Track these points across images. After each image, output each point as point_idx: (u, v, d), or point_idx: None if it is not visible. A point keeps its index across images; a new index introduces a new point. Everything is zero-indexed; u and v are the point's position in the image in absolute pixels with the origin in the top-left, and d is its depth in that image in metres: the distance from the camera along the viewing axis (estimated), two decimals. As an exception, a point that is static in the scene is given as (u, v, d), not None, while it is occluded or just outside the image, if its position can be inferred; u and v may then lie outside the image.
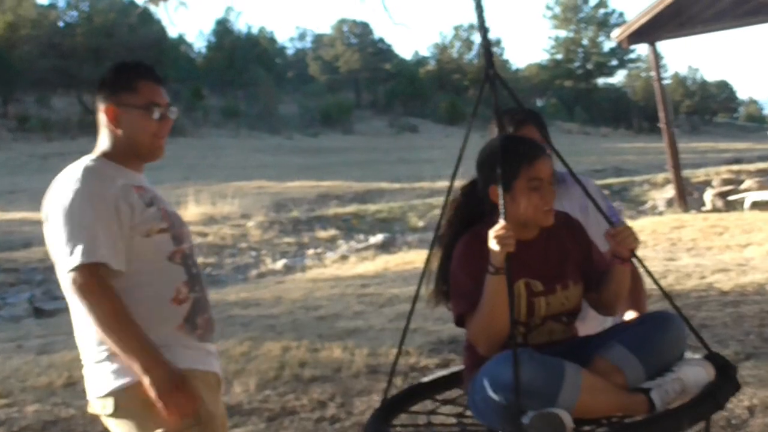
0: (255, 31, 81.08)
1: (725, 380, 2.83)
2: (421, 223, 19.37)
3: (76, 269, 2.77)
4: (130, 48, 54.04)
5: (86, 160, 3.00)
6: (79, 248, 2.78)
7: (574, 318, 3.09)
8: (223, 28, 73.44)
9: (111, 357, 2.88)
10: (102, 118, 3.05)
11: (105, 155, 3.04)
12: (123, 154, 3.04)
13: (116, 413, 2.89)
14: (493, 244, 2.77)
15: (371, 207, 20.39)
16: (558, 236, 3.08)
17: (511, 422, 2.67)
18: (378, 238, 16.96)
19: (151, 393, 2.76)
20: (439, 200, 22.36)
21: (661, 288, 3.01)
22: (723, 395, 2.79)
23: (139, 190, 3.00)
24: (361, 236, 17.52)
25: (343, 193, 25.06)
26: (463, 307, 2.96)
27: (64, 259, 2.81)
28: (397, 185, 26.22)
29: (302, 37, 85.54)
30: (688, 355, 2.96)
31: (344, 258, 14.98)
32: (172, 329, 2.93)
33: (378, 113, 70.05)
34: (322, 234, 17.55)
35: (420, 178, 27.27)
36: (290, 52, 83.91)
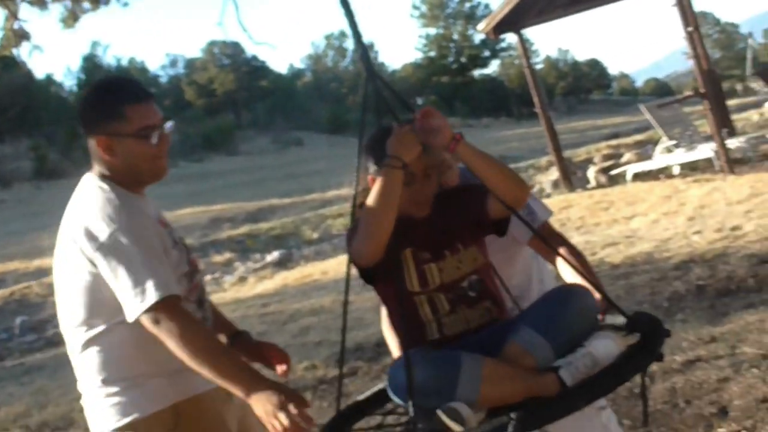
0: (125, 62, 79.88)
1: (654, 336, 2.81)
2: (315, 235, 19.33)
3: (152, 309, 2.63)
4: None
5: (97, 188, 2.85)
6: (150, 286, 2.64)
7: (490, 301, 3.01)
8: (91, 63, 72.10)
9: (121, 392, 2.79)
10: (93, 148, 2.89)
11: (110, 179, 2.88)
12: (125, 179, 2.89)
13: None
14: (398, 141, 2.76)
15: (264, 225, 20.29)
16: (448, 208, 3.04)
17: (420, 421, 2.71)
18: (274, 255, 16.87)
19: (261, 414, 2.61)
20: (332, 210, 22.48)
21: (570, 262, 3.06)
22: (654, 347, 2.76)
23: (163, 225, 2.91)
24: (257, 256, 17.40)
25: (235, 215, 24.86)
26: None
27: (132, 302, 2.65)
28: (287, 200, 26.15)
29: (174, 63, 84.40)
30: (612, 319, 2.97)
31: (242, 279, 14.88)
32: None
33: (260, 131, 69.63)
34: (218, 258, 17.38)
35: (310, 190, 27.23)
36: (163, 80, 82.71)
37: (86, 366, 2.86)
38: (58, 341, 12.33)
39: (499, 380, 2.70)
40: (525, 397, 2.69)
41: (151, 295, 2.63)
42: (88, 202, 2.84)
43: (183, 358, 2.66)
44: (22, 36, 15.10)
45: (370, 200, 2.79)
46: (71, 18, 15.73)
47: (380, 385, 3.29)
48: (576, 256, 3.36)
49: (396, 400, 2.80)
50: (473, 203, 3.04)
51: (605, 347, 2.76)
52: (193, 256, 3.05)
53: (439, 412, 2.61)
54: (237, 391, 2.66)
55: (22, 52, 15.92)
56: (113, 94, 2.91)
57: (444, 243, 2.99)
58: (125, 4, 16.99)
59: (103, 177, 2.89)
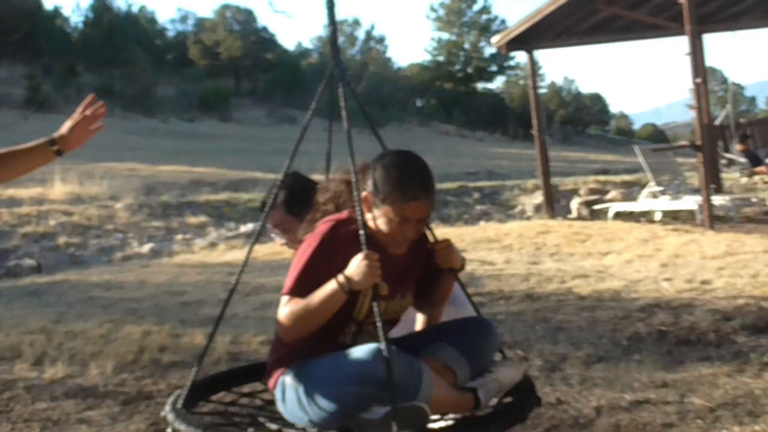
0: (135, 9, 79.44)
1: (528, 395, 3.16)
2: (292, 215, 19.25)
3: None
4: (2, 18, 52.43)
5: None
6: None
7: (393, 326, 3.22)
8: (101, 3, 71.63)
9: None
10: None
11: None
12: None
13: None
14: (360, 267, 2.81)
15: (244, 196, 20.24)
16: (417, 255, 3.18)
17: (359, 417, 2.76)
18: (249, 227, 16.85)
19: None
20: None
21: (472, 302, 3.46)
22: (527, 408, 3.14)
23: None
24: (232, 224, 17.36)
25: (216, 181, 24.79)
26: (296, 291, 2.95)
27: None
28: (271, 175, 26.07)
29: (184, 19, 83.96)
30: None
31: (213, 245, 14.84)
32: None
33: (257, 102, 69.51)
34: (192, 220, 17.32)
35: (295, 169, 27.12)
36: (170, 34, 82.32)
37: None
38: (18, 272, 12.29)
39: (441, 389, 2.90)
40: (451, 410, 2.99)
41: None
42: None
43: None
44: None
45: (312, 302, 2.88)
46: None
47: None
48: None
49: (346, 388, 2.83)
50: (424, 256, 3.20)
51: (510, 374, 3.11)
52: None
53: (410, 408, 2.75)
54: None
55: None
56: None
57: (401, 287, 3.14)
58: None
59: None
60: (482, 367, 3.06)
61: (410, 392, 2.75)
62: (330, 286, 2.84)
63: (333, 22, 3.11)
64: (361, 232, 2.83)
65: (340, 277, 2.83)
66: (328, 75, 3.18)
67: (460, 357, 3.01)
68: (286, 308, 2.93)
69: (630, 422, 4.78)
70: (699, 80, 14.60)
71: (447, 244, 3.12)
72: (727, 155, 17.72)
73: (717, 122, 20.07)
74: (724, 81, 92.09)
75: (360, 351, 2.83)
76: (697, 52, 14.56)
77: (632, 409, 5.00)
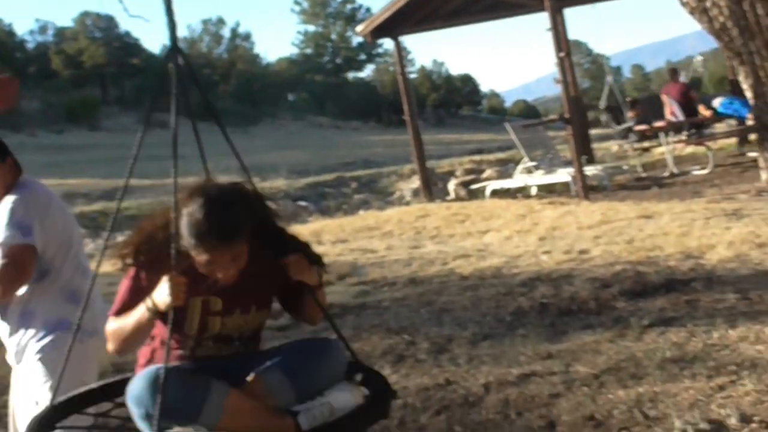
0: (-9, 23, 77.15)
1: (384, 396, 3.13)
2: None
3: None
4: None
5: None
6: None
7: (250, 342, 3.19)
8: (-45, 19, 69.40)
9: None
10: None
11: None
12: None
13: None
14: (164, 290, 2.83)
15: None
16: (260, 275, 3.12)
17: None
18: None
19: None
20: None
21: (330, 319, 3.24)
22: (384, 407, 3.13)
23: None
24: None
25: (90, 191, 24.28)
26: (118, 311, 3.05)
27: None
28: (147, 182, 25.62)
29: (43, 30, 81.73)
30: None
31: (91, 257, 14.49)
32: None
33: (126, 109, 68.27)
34: (68, 233, 16.88)
35: (169, 174, 26.68)
36: (30, 45, 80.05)
37: None
38: None
39: (241, 413, 2.87)
40: None
41: None
42: None
43: None
44: None
45: (123, 321, 2.99)
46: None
47: (99, 383, 3.38)
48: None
49: (133, 410, 2.84)
50: (284, 283, 3.19)
51: (343, 399, 3.01)
52: None
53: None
54: None
55: None
56: None
57: (239, 301, 3.10)
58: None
59: None
60: (316, 390, 3.01)
61: (189, 416, 2.78)
62: (140, 308, 2.93)
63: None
64: (173, 253, 2.84)
65: (148, 300, 2.90)
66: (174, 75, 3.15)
67: (284, 379, 2.97)
68: (108, 325, 3.07)
69: (518, 396, 4.84)
70: (562, 54, 14.87)
71: (296, 259, 3.11)
72: (623, 126, 18.07)
73: (602, 105, 20.48)
74: (590, 53, 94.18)
75: (143, 373, 2.86)
76: (558, 27, 14.84)
77: (520, 383, 5.06)
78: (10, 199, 3.81)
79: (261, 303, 3.16)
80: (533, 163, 16.05)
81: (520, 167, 16.62)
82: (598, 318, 6.41)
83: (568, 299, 6.97)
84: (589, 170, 15.37)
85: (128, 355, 3.13)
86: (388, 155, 33.93)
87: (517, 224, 11.53)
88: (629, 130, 17.57)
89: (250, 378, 2.97)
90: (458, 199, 16.69)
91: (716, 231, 8.94)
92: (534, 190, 15.77)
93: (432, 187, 17.37)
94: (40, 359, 3.74)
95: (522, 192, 15.85)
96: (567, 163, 15.97)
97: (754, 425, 3.99)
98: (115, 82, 75.20)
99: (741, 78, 11.62)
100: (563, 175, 15.18)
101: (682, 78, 19.40)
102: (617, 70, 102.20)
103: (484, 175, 19.70)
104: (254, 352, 3.18)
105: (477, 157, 25.80)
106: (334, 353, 3.13)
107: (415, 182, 18.22)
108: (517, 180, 16.16)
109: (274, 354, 3.11)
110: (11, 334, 3.84)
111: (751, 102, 11.83)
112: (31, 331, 3.79)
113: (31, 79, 70.10)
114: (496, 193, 15.82)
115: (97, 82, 73.96)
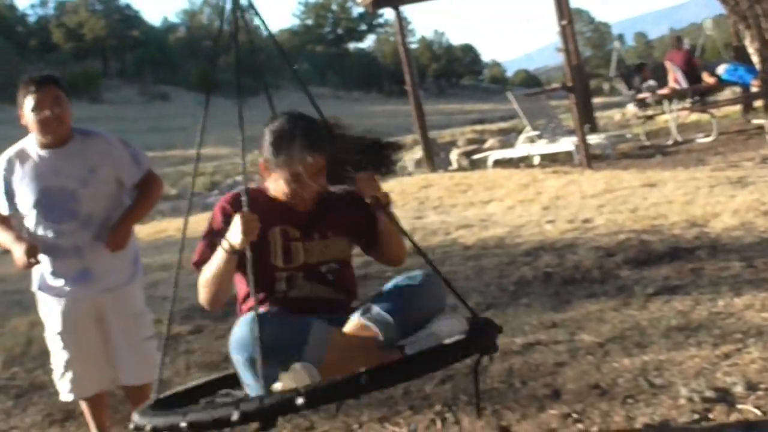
0: (-9, -4, 76.84)
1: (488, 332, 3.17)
2: (173, 191, 19.02)
3: None
4: None
5: None
6: None
7: (341, 283, 3.25)
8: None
9: None
10: None
11: None
12: None
13: None
14: (237, 227, 2.91)
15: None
16: (334, 207, 3.27)
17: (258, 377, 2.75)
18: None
19: None
20: (192, 168, 21.93)
21: (420, 251, 3.32)
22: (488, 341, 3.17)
23: None
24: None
25: (92, 163, 24.22)
26: (199, 261, 3.19)
27: None
28: (149, 153, 25.56)
29: (44, 3, 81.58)
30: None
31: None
32: None
33: (127, 82, 68.27)
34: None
35: (172, 146, 26.77)
36: (32, 19, 79.85)
37: None
38: None
39: (348, 350, 2.87)
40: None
41: None
42: None
43: None
44: None
45: (207, 269, 3.11)
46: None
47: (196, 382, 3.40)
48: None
49: (236, 357, 2.86)
50: (359, 215, 3.31)
51: (448, 328, 3.01)
52: None
53: (292, 369, 2.72)
54: None
55: None
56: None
57: (316, 227, 3.21)
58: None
59: None
60: (419, 323, 3.03)
61: (292, 354, 2.77)
62: (219, 251, 3.02)
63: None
64: (244, 198, 2.95)
65: (224, 242, 2.99)
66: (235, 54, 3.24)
67: (383, 316, 2.98)
68: (199, 278, 3.16)
69: (523, 365, 4.82)
70: (565, 22, 14.77)
71: (368, 174, 3.21)
72: (633, 90, 17.89)
73: (612, 73, 20.35)
74: (591, 21, 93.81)
75: (242, 319, 2.88)
76: (560, -5, 14.73)
77: (524, 351, 5.04)
78: (106, 136, 4.35)
79: (337, 230, 3.25)
80: (536, 133, 15.98)
81: (522, 137, 16.55)
82: (602, 287, 6.39)
83: (572, 268, 6.94)
84: (592, 139, 15.31)
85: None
86: (390, 125, 33.81)
87: (520, 194, 11.49)
88: (649, 89, 17.29)
89: (353, 318, 3.01)
90: (461, 169, 16.63)
91: (721, 199, 8.88)
92: (537, 160, 15.71)
93: (434, 158, 17.31)
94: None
95: (525, 161, 15.79)
96: (570, 132, 15.90)
97: (760, 392, 3.96)
98: (116, 54, 75.08)
99: (747, 42, 11.53)
100: (566, 144, 15.12)
101: (686, 45, 19.25)
102: (620, 38, 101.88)
103: (487, 144, 19.62)
104: (351, 300, 3.27)
105: (479, 127, 25.75)
106: (433, 286, 3.19)
107: (418, 153, 18.15)
108: (520, 149, 16.09)
109: (374, 297, 3.16)
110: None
111: (758, 66, 11.76)
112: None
113: (32, 52, 70.00)
114: (498, 163, 15.77)
115: (99, 54, 73.83)
